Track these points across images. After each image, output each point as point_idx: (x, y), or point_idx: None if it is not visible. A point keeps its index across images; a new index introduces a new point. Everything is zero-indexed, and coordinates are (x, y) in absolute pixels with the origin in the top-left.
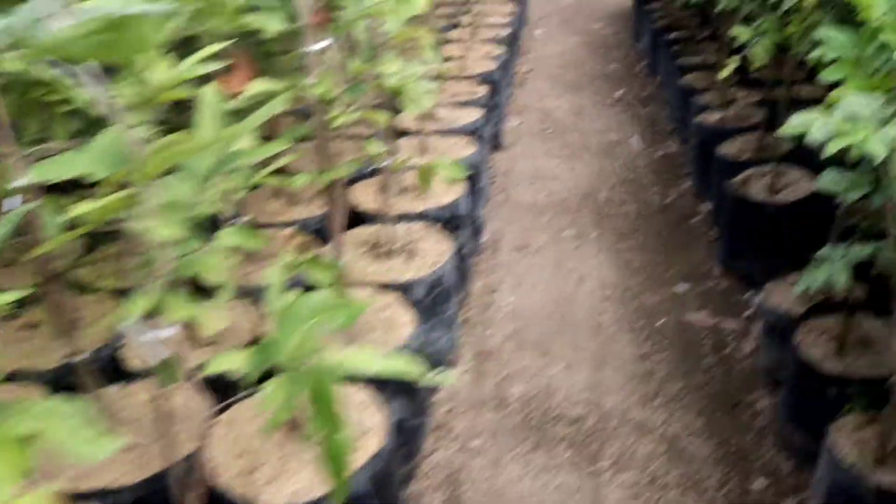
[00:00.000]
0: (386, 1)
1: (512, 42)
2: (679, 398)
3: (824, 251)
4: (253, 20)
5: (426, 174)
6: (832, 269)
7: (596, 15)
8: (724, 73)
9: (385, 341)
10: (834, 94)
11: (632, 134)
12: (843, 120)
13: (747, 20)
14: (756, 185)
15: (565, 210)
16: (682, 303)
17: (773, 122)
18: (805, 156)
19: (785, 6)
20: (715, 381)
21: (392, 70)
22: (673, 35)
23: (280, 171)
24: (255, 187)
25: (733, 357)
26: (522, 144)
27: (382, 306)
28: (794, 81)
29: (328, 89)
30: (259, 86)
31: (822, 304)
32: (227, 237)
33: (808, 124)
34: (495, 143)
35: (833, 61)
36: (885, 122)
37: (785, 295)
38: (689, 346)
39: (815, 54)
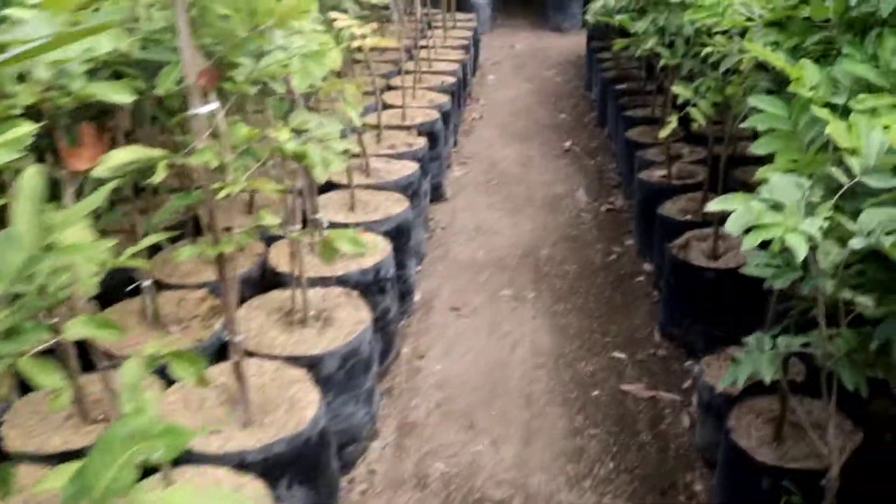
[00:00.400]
0: (289, 59)
1: (460, 89)
2: (610, 479)
3: (753, 340)
4: (97, 91)
5: (328, 249)
6: (759, 361)
7: (549, 62)
8: (664, 132)
9: (285, 424)
10: (761, 172)
11: (578, 187)
12: (766, 207)
13: (690, 77)
14: (697, 249)
15: (504, 268)
16: (619, 372)
17: (716, 181)
18: None
19: (723, 67)
20: (649, 460)
21: (307, 127)
22: (621, 86)
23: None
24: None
25: (670, 433)
26: (465, 196)
27: (289, 382)
28: (737, 138)
29: (212, 157)
30: (125, 155)
31: (760, 384)
32: (76, 329)
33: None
34: (436, 195)
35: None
36: (810, 210)
37: (723, 370)
38: (623, 421)
39: (746, 124)
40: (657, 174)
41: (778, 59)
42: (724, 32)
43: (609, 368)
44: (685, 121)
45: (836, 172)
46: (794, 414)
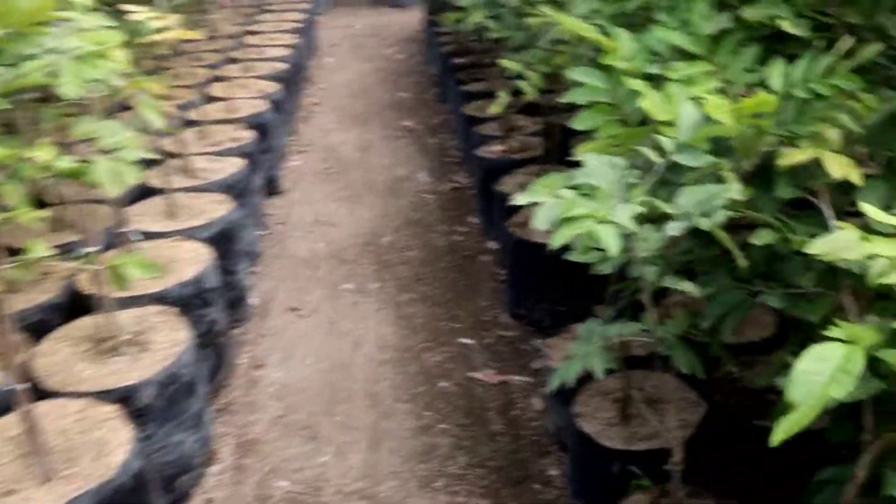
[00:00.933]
0: (51, 63)
1: (294, 75)
2: (463, 476)
3: (585, 328)
4: None
5: (116, 277)
6: (590, 354)
7: (390, 40)
8: (496, 107)
9: (91, 473)
10: (579, 151)
11: (419, 168)
12: (578, 195)
13: (520, 49)
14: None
15: (345, 261)
16: (468, 359)
17: (554, 152)
18: None
19: (547, 38)
20: (502, 451)
21: (97, 136)
22: (460, 61)
23: None
24: None
25: (522, 419)
26: (303, 188)
27: (98, 422)
28: (570, 109)
29: None
30: None
31: None
32: None
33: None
34: (272, 189)
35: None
36: (628, 193)
37: (567, 350)
38: (474, 411)
39: (566, 99)
40: (496, 149)
41: (587, 30)
42: (551, 1)
43: (457, 357)
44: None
45: (648, 151)
46: (642, 391)
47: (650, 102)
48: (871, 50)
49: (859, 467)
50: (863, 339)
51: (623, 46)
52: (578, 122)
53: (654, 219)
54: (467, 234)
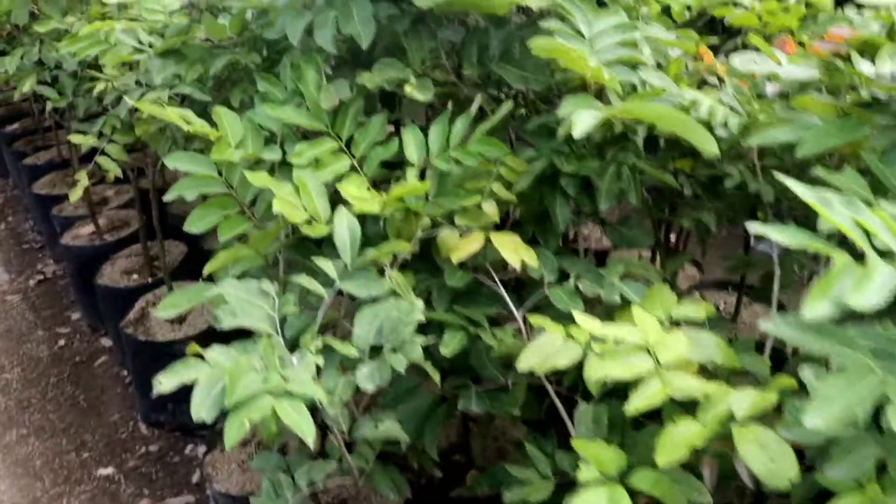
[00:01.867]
0: None
1: None
2: None
3: (266, 483)
4: None
5: None
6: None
7: None
8: (75, 194)
9: None
10: (207, 268)
11: None
12: (228, 359)
13: (90, 117)
14: (156, 318)
15: None
16: (115, 496)
17: (151, 226)
18: None
19: (124, 108)
20: None
21: None
22: (13, 127)
23: None
24: None
25: None
26: None
27: None
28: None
29: None
30: None
31: None
32: None
33: None
34: None
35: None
36: (294, 332)
37: (233, 466)
38: None
39: (171, 196)
40: (84, 231)
41: (174, 116)
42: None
43: (101, 496)
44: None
45: (309, 282)
46: None
47: (282, 203)
48: (504, 109)
49: None
50: (609, 465)
51: (230, 130)
52: (192, 224)
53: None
54: (72, 335)
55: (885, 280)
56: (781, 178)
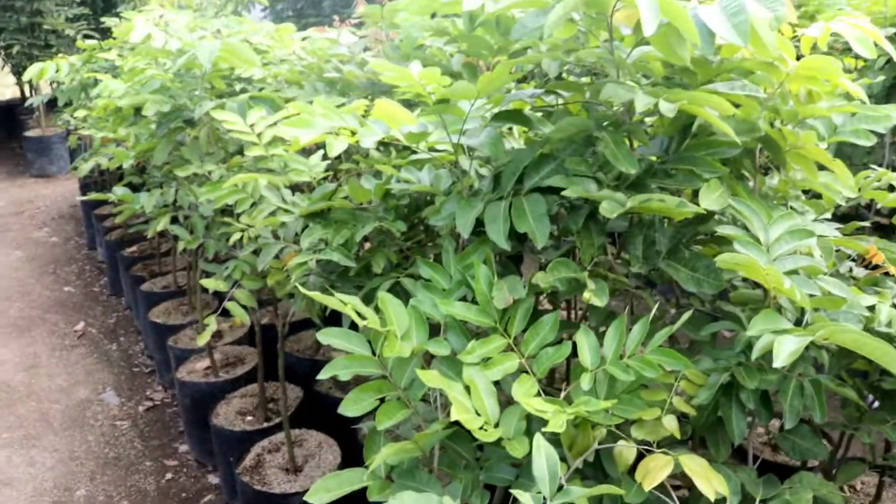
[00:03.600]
0: None
1: None
2: None
3: None
4: None
5: None
6: None
7: (40, 218)
8: (203, 338)
9: None
10: (369, 462)
11: (105, 386)
12: None
13: (216, 259)
14: (272, 466)
15: None
16: None
17: (272, 363)
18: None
19: (262, 263)
20: None
21: None
22: (132, 250)
23: None
24: None
25: None
26: None
27: None
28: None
29: None
30: None
31: None
32: None
33: None
34: None
35: None
36: None
37: None
38: None
39: (324, 373)
40: (199, 366)
41: (341, 305)
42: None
43: None
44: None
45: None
46: None
47: (458, 406)
48: (685, 317)
49: None
50: None
51: (396, 320)
52: (347, 407)
53: None
54: (179, 468)
55: None
56: None
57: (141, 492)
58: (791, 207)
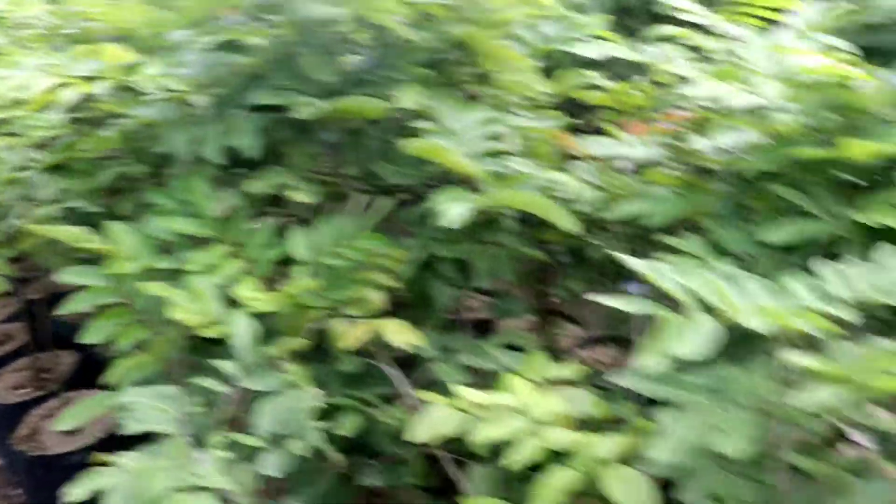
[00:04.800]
0: None
1: None
2: None
3: None
4: None
5: None
6: None
7: None
8: None
9: None
10: (112, 374)
11: None
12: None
13: None
14: (51, 431)
15: None
16: None
17: (43, 338)
18: None
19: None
20: None
21: None
22: None
23: None
24: None
25: None
26: None
27: None
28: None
29: None
30: None
31: None
32: None
33: None
34: None
35: None
36: (199, 432)
37: None
38: None
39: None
40: None
41: (69, 234)
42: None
43: None
44: None
45: (208, 383)
46: None
47: (182, 311)
48: (385, 205)
49: None
50: None
51: (123, 244)
52: (88, 335)
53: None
54: None
55: (707, 331)
56: (619, 256)
57: None
58: (509, 110)
